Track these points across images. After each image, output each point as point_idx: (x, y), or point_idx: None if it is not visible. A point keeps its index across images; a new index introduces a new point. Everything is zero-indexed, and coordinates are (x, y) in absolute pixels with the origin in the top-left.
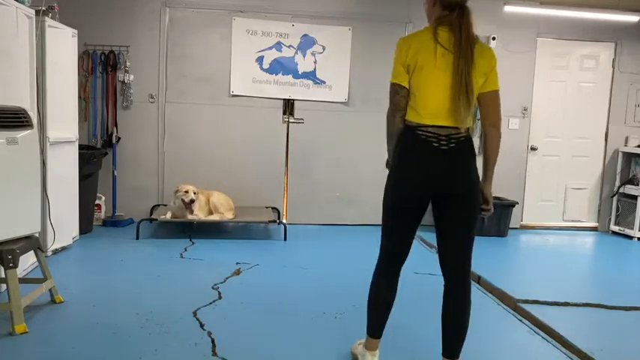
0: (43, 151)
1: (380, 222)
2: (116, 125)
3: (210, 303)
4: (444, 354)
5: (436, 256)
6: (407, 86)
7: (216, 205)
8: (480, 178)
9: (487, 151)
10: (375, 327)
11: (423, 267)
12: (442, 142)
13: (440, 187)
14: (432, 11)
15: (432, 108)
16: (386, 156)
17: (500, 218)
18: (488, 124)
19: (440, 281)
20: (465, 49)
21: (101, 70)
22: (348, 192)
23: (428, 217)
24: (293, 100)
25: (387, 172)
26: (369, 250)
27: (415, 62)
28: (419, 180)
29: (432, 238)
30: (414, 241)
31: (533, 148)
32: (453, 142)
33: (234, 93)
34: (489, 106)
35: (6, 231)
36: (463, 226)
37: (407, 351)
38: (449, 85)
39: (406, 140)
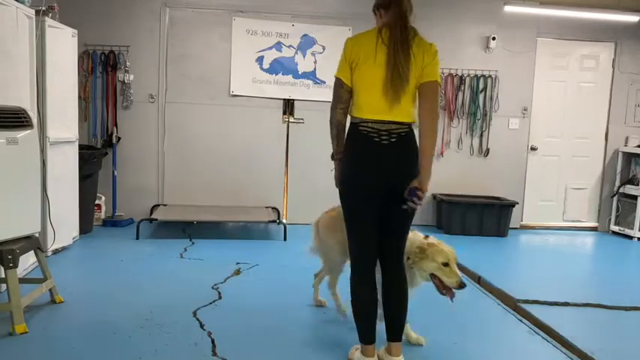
0: (43, 151)
1: None
2: (116, 125)
3: (210, 303)
4: (390, 338)
5: None
6: (349, 83)
7: None
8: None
9: (423, 131)
10: (368, 333)
11: None
12: (383, 137)
13: (385, 180)
14: (379, 19)
15: (373, 103)
16: None
17: (500, 218)
18: (423, 109)
19: None
20: (401, 43)
21: (101, 70)
22: None
23: (427, 217)
24: (293, 100)
25: None
26: None
27: (358, 58)
28: (366, 174)
29: None
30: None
31: (533, 148)
32: (394, 136)
33: (234, 93)
34: (428, 94)
35: (6, 231)
36: (403, 219)
37: (410, 350)
38: (387, 79)
39: (350, 136)
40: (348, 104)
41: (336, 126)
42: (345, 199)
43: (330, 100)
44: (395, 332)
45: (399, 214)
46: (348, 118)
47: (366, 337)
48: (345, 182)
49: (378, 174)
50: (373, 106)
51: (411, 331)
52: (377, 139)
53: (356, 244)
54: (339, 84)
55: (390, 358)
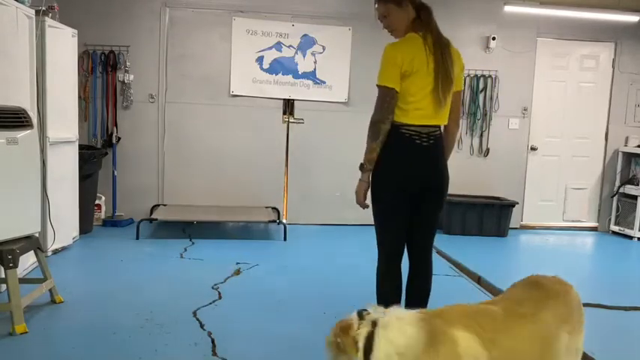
0: (43, 151)
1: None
2: (116, 125)
3: (210, 303)
4: None
5: (437, 256)
6: (399, 91)
7: None
8: None
9: (448, 143)
10: None
11: None
12: (423, 140)
13: (422, 179)
14: (405, 16)
15: (422, 109)
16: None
17: (500, 218)
18: (452, 120)
19: (443, 280)
20: (445, 50)
21: (101, 70)
22: (348, 192)
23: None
24: (293, 100)
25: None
26: (368, 250)
27: (412, 68)
28: (408, 174)
29: None
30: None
31: (533, 148)
32: (432, 139)
33: (234, 93)
34: (455, 104)
35: (6, 231)
36: (435, 215)
37: None
38: (436, 86)
39: (390, 138)
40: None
41: (383, 135)
42: (383, 197)
43: (330, 100)
44: None
45: (429, 211)
46: None
47: None
48: (386, 181)
49: (417, 173)
50: (421, 112)
51: None
52: (418, 141)
53: (391, 238)
54: (391, 94)
55: None
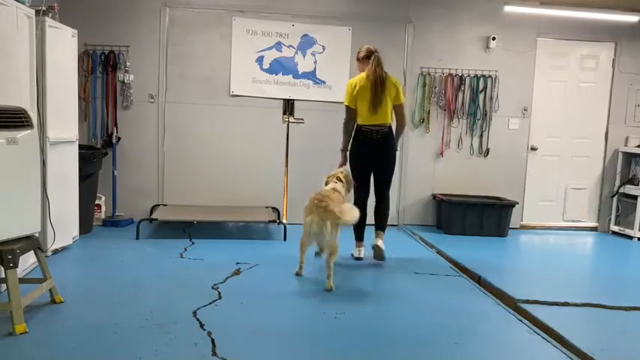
0: (43, 151)
1: None
2: (116, 125)
3: (210, 303)
4: (377, 228)
5: (437, 256)
6: (355, 108)
7: None
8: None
9: (397, 134)
10: (360, 233)
11: (423, 267)
12: (374, 134)
13: (376, 157)
14: (362, 66)
15: (367, 115)
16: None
17: (500, 218)
18: (399, 124)
19: (443, 280)
20: (379, 79)
21: (101, 70)
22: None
23: (427, 217)
24: (293, 100)
25: None
26: (367, 250)
27: (358, 92)
28: (367, 155)
29: (431, 238)
30: (414, 242)
31: (533, 148)
32: (380, 133)
33: (234, 93)
34: (399, 114)
35: (6, 231)
36: (386, 173)
37: (409, 351)
38: (371, 103)
39: (357, 134)
40: (355, 120)
41: (349, 133)
42: (356, 167)
43: (330, 100)
44: (380, 226)
45: (384, 170)
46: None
47: (360, 236)
48: (357, 158)
49: (372, 153)
50: (367, 116)
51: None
52: (370, 135)
53: (360, 186)
54: (350, 110)
55: (377, 240)
